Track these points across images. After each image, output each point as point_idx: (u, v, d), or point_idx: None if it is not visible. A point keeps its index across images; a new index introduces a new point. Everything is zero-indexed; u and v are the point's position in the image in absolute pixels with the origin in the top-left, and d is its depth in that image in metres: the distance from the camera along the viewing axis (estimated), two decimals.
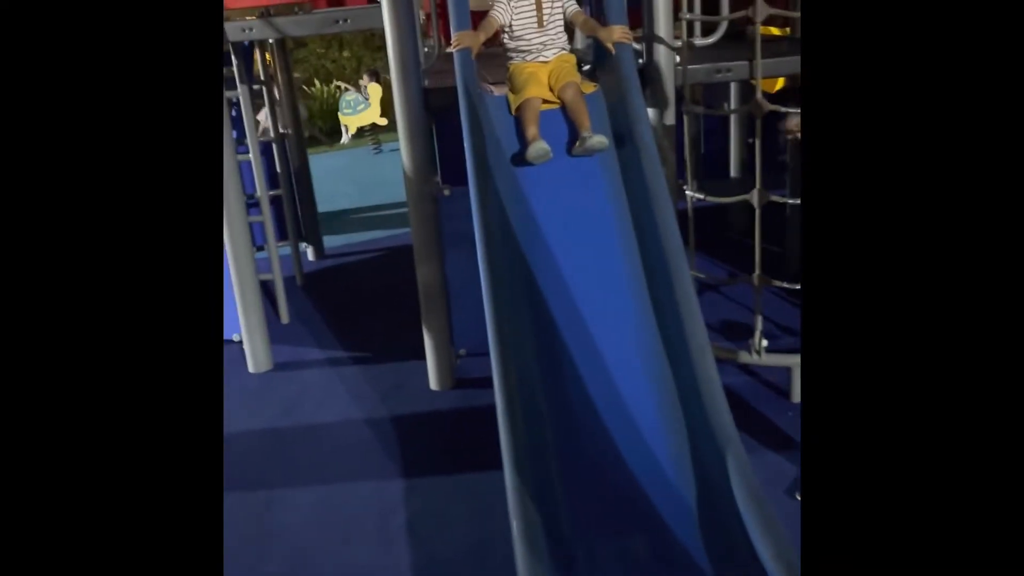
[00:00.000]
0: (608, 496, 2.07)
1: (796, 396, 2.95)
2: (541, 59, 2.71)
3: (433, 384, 3.31)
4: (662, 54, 2.89)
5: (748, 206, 2.85)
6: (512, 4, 2.69)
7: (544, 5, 2.69)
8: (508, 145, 2.63)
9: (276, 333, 3.82)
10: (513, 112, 2.67)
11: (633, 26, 3.17)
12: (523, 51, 2.72)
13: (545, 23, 2.69)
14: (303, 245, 5.01)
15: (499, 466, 1.90)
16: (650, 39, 2.90)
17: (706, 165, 4.93)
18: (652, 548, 1.97)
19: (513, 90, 2.72)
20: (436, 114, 3.16)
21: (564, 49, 2.76)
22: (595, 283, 2.38)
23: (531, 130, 2.56)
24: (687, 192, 2.99)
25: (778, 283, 2.94)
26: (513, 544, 1.77)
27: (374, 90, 9.16)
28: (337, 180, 7.16)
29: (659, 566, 1.91)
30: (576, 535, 1.97)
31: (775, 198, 2.94)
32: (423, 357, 3.33)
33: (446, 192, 3.14)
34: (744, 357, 2.95)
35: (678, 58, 2.85)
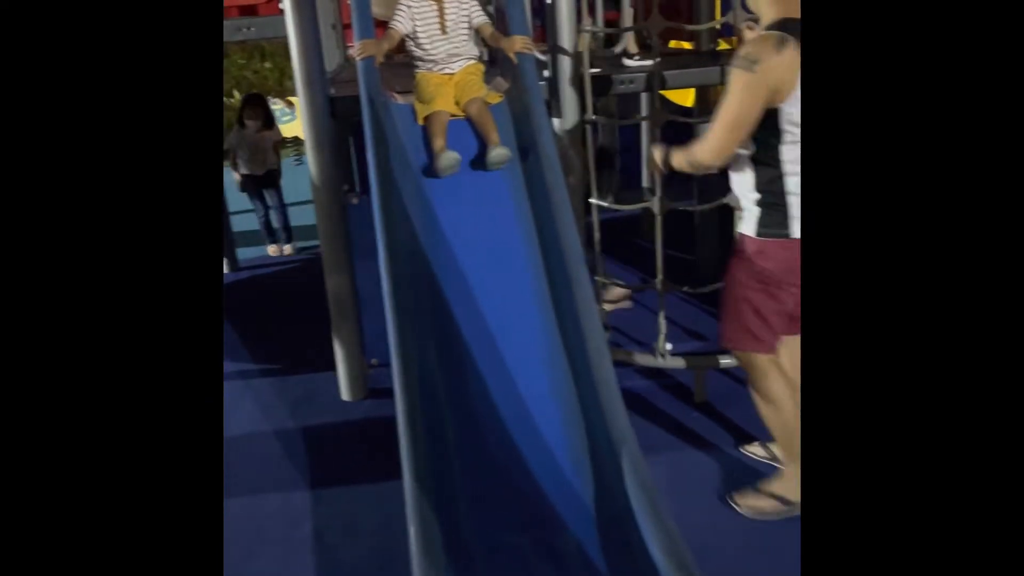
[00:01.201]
0: (509, 498, 2.09)
1: (699, 397, 3.04)
2: (447, 71, 2.73)
3: (344, 394, 3.29)
4: (565, 64, 2.94)
5: (665, 216, 2.93)
6: (413, 12, 2.69)
7: (447, 13, 2.70)
8: (415, 154, 2.65)
9: None
10: (420, 122, 2.69)
11: (541, 39, 3.24)
12: (428, 60, 2.73)
13: (449, 31, 2.70)
14: None
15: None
16: (553, 50, 2.95)
17: (625, 176, 5.04)
18: (550, 546, 2.00)
19: (420, 100, 2.73)
20: (354, 123, 3.15)
21: (471, 59, 2.78)
22: (498, 292, 2.41)
23: (438, 142, 2.58)
24: (591, 201, 3.05)
25: (683, 289, 3.02)
26: (410, 552, 1.78)
27: (299, 102, 9.03)
28: None
29: (556, 563, 1.94)
30: (476, 537, 1.98)
31: (681, 206, 3.02)
32: (335, 368, 3.30)
33: (354, 200, 3.13)
34: (648, 360, 3.01)
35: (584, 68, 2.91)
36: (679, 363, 3.00)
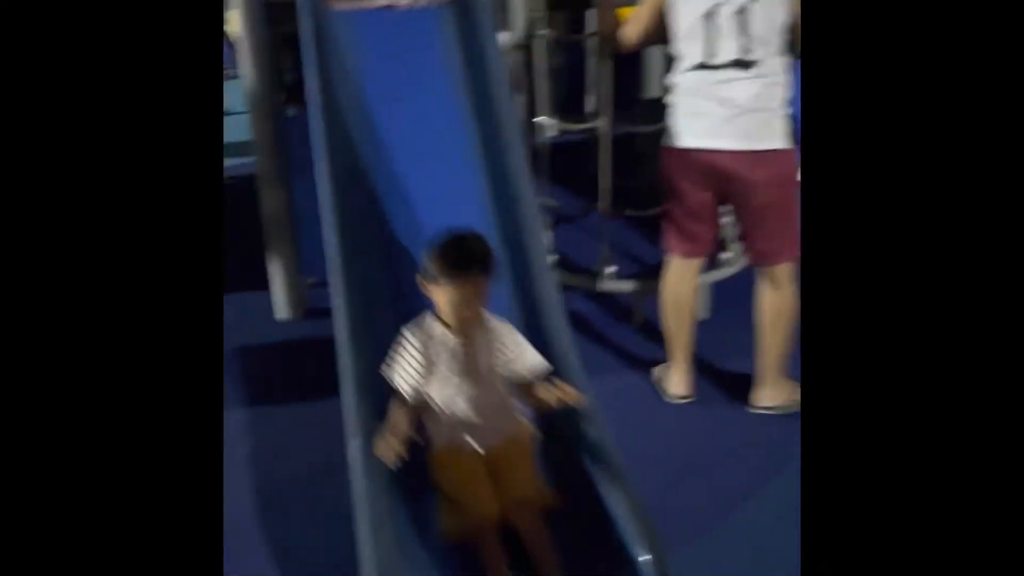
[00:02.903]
0: None
1: (638, 320, 3.07)
2: (479, 443, 1.84)
3: (280, 313, 3.22)
4: None
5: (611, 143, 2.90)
6: (423, 352, 1.81)
7: (479, 345, 1.82)
8: (353, 64, 2.53)
9: None
10: (444, 537, 1.79)
11: None
12: (449, 426, 1.84)
13: (482, 378, 1.82)
14: None
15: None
16: None
17: (562, 102, 4.96)
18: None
19: (443, 502, 1.82)
20: (289, 32, 2.99)
21: (515, 423, 1.89)
22: (442, 208, 2.35)
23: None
24: (540, 121, 2.99)
25: (627, 212, 3.01)
26: (350, 468, 1.77)
27: (232, 16, 8.61)
28: None
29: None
30: (416, 455, 1.97)
31: (627, 129, 2.99)
32: (270, 287, 3.22)
33: (290, 113, 3.00)
34: (590, 283, 3.02)
35: None
36: (620, 286, 3.01)
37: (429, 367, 1.78)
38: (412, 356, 1.79)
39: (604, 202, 2.96)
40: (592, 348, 2.92)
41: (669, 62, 2.46)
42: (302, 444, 2.49)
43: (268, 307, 3.24)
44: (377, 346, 2.08)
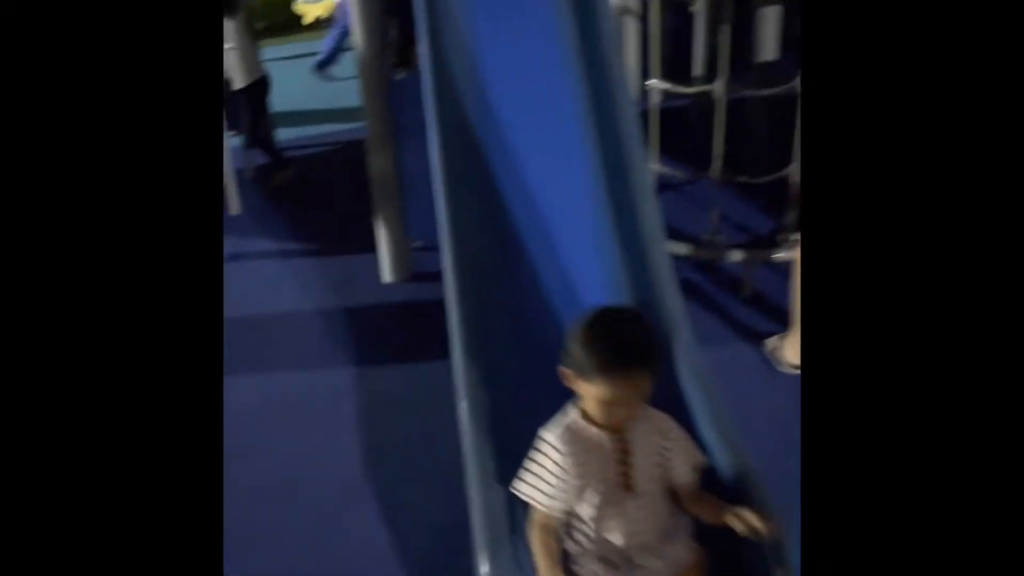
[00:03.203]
0: (557, 381, 2.07)
1: (745, 291, 2.98)
2: None
3: (386, 276, 3.27)
4: None
5: (712, 108, 2.80)
6: (570, 461, 1.46)
7: (638, 453, 1.49)
8: (467, 27, 2.51)
9: (226, 224, 3.72)
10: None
11: None
12: (595, 558, 1.49)
13: (638, 492, 1.48)
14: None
15: (450, 356, 1.89)
16: None
17: (670, 66, 4.83)
18: None
19: None
20: None
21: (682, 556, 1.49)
22: (551, 173, 2.33)
23: None
24: (651, 84, 2.91)
25: (739, 179, 2.92)
26: (460, 428, 1.78)
27: None
28: (293, 72, 6.90)
29: None
30: (523, 419, 1.97)
31: (743, 93, 2.89)
32: (376, 250, 3.27)
33: (399, 76, 3.02)
34: (699, 253, 2.94)
35: None
36: (731, 255, 2.92)
37: (575, 478, 1.44)
38: (554, 464, 1.46)
39: (717, 168, 2.87)
40: (701, 318, 2.86)
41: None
42: (408, 404, 2.53)
43: (374, 270, 3.30)
44: (486, 310, 2.09)
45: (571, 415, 1.51)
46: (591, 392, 1.42)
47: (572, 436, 1.47)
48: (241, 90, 4.11)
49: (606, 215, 2.25)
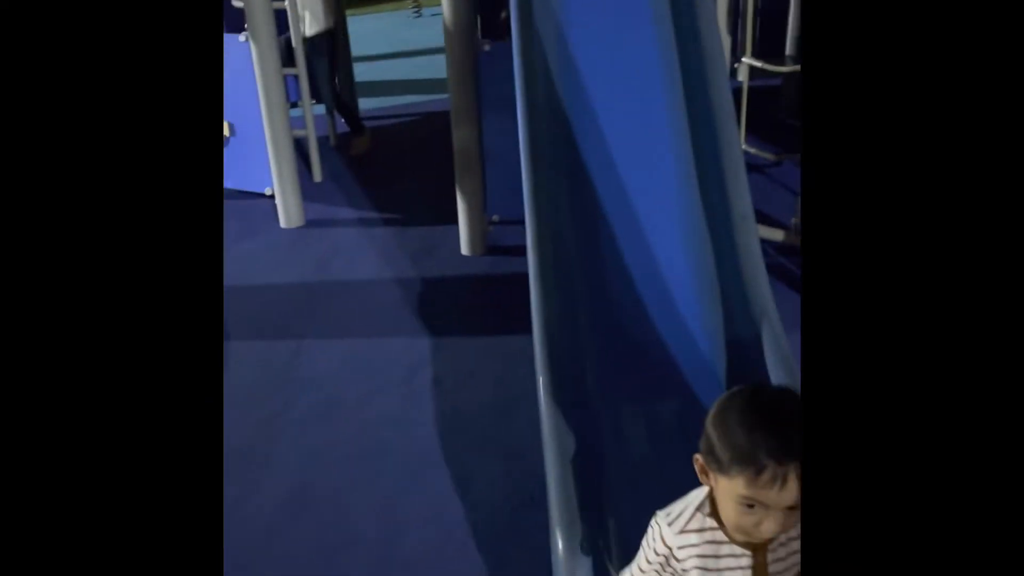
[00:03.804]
0: (637, 362, 2.05)
1: None
2: None
3: (464, 249, 3.28)
4: None
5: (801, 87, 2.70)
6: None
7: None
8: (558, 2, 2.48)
9: (309, 191, 3.79)
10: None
11: None
12: None
13: None
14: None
15: (528, 331, 1.88)
16: None
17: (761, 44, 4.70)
18: (677, 415, 1.96)
19: None
20: None
21: None
22: (638, 150, 2.29)
23: None
24: (743, 62, 2.83)
25: None
26: (538, 401, 1.77)
27: None
28: (376, 42, 6.95)
29: (683, 433, 1.90)
30: (602, 397, 1.96)
31: None
32: (455, 222, 3.28)
33: (486, 47, 3.00)
34: (783, 237, 2.87)
35: None
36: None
37: None
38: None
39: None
40: (783, 303, 2.78)
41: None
42: (483, 375, 2.54)
43: (453, 240, 3.31)
44: (567, 286, 2.08)
45: (701, 516, 1.18)
46: (728, 491, 1.10)
47: (704, 546, 1.17)
48: (309, 39, 4.04)
49: (694, 195, 2.20)
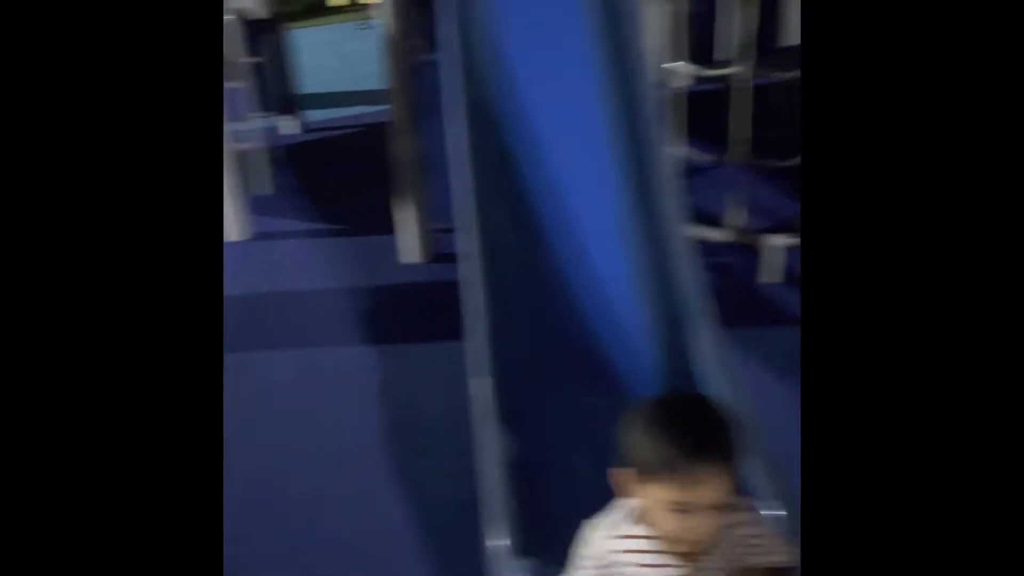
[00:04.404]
0: (574, 363, 2.10)
1: (764, 276, 2.97)
2: None
3: (410, 257, 3.31)
4: None
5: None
6: None
7: None
8: (486, 5, 2.52)
9: (258, 204, 3.80)
10: None
11: None
12: None
13: None
14: (281, 118, 4.95)
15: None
16: None
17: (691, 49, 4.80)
18: (614, 414, 2.00)
19: None
20: None
21: None
22: (572, 155, 2.34)
23: None
24: (674, 67, 2.90)
25: (761, 163, 2.91)
26: (472, 404, 1.82)
27: None
28: (321, 55, 6.96)
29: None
30: (539, 397, 2.00)
31: (767, 77, 2.87)
32: (398, 231, 3.31)
33: (422, 55, 3.04)
34: (720, 236, 2.95)
35: None
36: (754, 240, 2.92)
37: None
38: None
39: (737, 152, 2.87)
40: (723, 301, 2.86)
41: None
42: (432, 381, 2.57)
43: (392, 250, 3.35)
44: (503, 291, 2.12)
45: (629, 524, 1.18)
46: (657, 498, 1.10)
47: (634, 554, 1.16)
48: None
49: (626, 197, 2.26)
